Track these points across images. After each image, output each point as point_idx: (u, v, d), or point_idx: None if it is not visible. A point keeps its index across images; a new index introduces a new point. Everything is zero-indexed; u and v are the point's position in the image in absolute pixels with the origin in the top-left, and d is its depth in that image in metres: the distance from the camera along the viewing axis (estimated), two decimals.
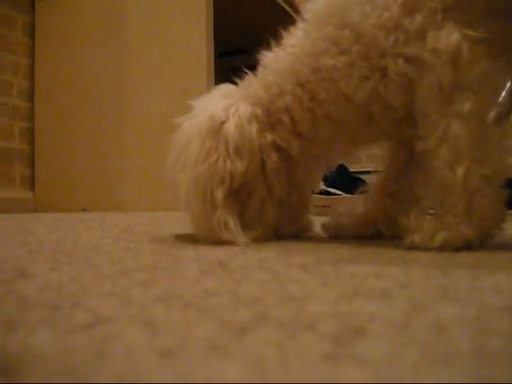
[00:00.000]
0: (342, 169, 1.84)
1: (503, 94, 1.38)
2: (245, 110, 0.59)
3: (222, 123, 0.58)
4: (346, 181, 1.51)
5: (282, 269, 0.38)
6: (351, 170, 1.73)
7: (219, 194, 0.56)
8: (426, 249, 0.48)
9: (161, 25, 1.83)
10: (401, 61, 0.52)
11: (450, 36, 0.50)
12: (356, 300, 0.27)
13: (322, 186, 1.57)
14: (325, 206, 1.23)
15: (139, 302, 0.28)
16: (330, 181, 1.69)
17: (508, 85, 1.40)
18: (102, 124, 1.91)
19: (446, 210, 0.49)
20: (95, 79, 1.92)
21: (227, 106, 0.60)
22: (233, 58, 2.48)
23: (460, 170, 0.48)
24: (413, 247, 0.50)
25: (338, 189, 1.50)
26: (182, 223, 0.98)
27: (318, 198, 1.26)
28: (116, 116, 1.90)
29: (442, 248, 0.48)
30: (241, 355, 0.18)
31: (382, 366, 0.17)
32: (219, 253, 0.48)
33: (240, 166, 0.57)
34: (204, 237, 0.59)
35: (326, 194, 1.40)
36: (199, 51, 1.78)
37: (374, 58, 0.53)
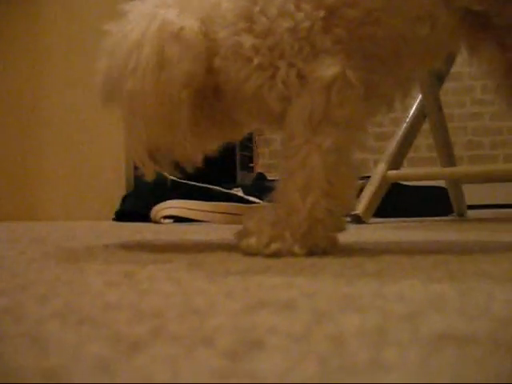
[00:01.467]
0: (261, 177, 1.85)
1: (412, 111, 1.43)
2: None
3: (180, 29, 0.55)
4: (265, 189, 1.52)
5: (189, 280, 0.37)
6: (269, 177, 1.75)
7: (184, 94, 0.55)
8: (259, 253, 0.51)
9: (80, 40, 1.79)
10: (293, 71, 0.53)
11: (329, 69, 0.52)
12: (259, 312, 0.26)
13: (240, 194, 1.57)
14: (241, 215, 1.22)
15: (33, 318, 0.26)
16: (248, 189, 1.70)
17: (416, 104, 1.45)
18: (16, 125, 1.84)
19: (288, 225, 0.51)
20: (9, 78, 1.85)
21: (176, 12, 0.57)
22: None
23: (309, 200, 0.51)
24: (248, 250, 0.52)
25: (256, 197, 1.51)
26: (97, 233, 0.96)
27: (235, 206, 1.26)
28: (32, 116, 1.83)
29: (273, 255, 0.50)
30: (129, 374, 0.17)
31: (275, 381, 0.17)
32: (128, 265, 0.47)
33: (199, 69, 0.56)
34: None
35: (243, 202, 1.40)
36: None
37: (275, 54, 0.53)
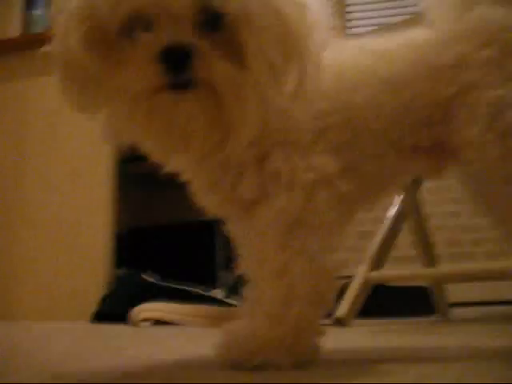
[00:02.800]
0: (242, 278, 1.82)
1: (392, 212, 1.45)
2: None
3: None
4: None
5: None
6: None
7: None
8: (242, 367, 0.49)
9: (62, 127, 1.82)
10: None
11: (306, 175, 0.52)
12: None
13: (220, 296, 1.55)
14: (227, 318, 1.20)
15: None
16: (229, 290, 1.67)
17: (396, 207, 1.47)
18: None
19: (271, 338, 0.49)
20: None
21: None
22: (132, 163, 2.48)
23: (294, 311, 0.49)
24: (230, 364, 0.50)
25: (237, 299, 1.48)
26: (72, 338, 0.92)
27: (214, 310, 1.24)
28: (10, 213, 1.82)
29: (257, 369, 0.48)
30: None
31: None
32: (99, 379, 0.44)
33: None
34: None
35: (224, 305, 1.37)
36: (101, 156, 1.77)
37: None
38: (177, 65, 0.46)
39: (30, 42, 1.85)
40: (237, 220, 0.59)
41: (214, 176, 0.55)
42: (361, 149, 0.57)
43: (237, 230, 0.60)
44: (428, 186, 2.86)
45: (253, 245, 0.54)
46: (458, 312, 1.82)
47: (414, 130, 0.58)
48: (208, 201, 0.59)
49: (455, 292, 1.85)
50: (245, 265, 0.57)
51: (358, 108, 0.57)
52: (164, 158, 0.56)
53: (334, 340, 0.63)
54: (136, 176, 2.61)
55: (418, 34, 0.61)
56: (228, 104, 0.48)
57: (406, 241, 2.73)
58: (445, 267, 1.59)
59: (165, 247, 2.26)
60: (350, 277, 1.36)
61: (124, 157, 2.37)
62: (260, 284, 0.52)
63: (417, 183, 1.48)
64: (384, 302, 1.65)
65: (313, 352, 0.52)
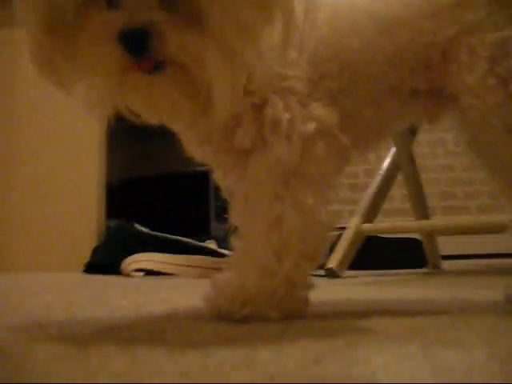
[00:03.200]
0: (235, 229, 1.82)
1: (385, 163, 1.43)
2: None
3: None
4: None
5: (145, 355, 0.34)
6: None
7: None
8: (230, 318, 0.48)
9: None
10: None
11: (306, 125, 0.50)
12: None
13: (213, 246, 1.55)
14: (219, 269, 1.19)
15: None
16: (222, 241, 1.67)
17: (391, 153, 1.45)
18: None
19: (261, 289, 0.48)
20: None
21: None
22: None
23: (286, 263, 0.48)
24: (218, 315, 0.49)
25: (230, 250, 1.48)
26: (61, 288, 0.92)
27: (207, 260, 1.24)
28: (1, 164, 1.80)
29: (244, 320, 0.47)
30: None
31: None
32: (84, 333, 0.44)
33: None
34: None
35: (217, 255, 1.37)
36: None
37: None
38: (136, 46, 0.43)
39: None
40: (231, 169, 0.56)
41: (206, 130, 0.53)
42: (358, 95, 0.55)
43: (229, 179, 0.57)
44: (422, 138, 2.86)
45: (246, 195, 0.52)
46: (449, 264, 1.83)
47: (413, 73, 0.55)
48: (201, 151, 0.57)
49: (447, 245, 1.85)
50: (236, 215, 0.55)
51: (355, 52, 0.54)
52: (153, 121, 0.53)
53: (323, 291, 0.63)
54: (127, 127, 2.58)
55: None
56: (198, 77, 0.46)
57: (399, 193, 2.74)
58: (437, 220, 1.58)
59: (157, 198, 2.25)
60: (342, 228, 1.35)
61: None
62: (252, 235, 0.51)
63: (411, 135, 1.46)
64: (376, 253, 1.65)
65: (302, 305, 0.51)
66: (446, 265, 1.71)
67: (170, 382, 0.27)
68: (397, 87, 0.56)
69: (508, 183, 0.59)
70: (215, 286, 0.52)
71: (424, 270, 1.64)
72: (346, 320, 0.49)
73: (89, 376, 0.29)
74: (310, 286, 0.52)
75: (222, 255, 1.39)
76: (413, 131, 1.46)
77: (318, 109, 0.51)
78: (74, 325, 0.49)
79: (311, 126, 0.49)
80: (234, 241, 0.54)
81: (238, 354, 0.34)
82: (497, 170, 0.60)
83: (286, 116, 0.49)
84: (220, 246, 1.60)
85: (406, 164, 1.45)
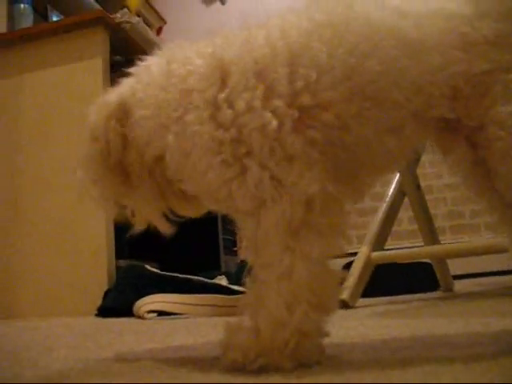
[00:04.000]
0: (245, 263, 1.82)
1: (391, 189, 1.44)
2: None
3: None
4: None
5: None
6: None
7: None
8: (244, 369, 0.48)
9: (55, 124, 1.81)
10: (266, 174, 0.51)
11: (310, 185, 0.50)
12: None
13: (224, 283, 1.55)
14: (231, 306, 1.20)
15: None
16: (232, 276, 1.67)
17: (395, 181, 1.46)
18: None
19: (274, 341, 0.49)
20: None
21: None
22: None
23: (297, 315, 0.48)
24: (233, 366, 0.50)
25: (241, 285, 1.48)
26: (74, 336, 0.92)
27: (218, 298, 1.24)
28: (11, 211, 1.82)
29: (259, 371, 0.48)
30: None
31: None
32: None
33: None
34: None
35: (228, 292, 1.37)
36: None
37: (241, 150, 0.52)
38: None
39: (17, 37, 1.83)
40: (243, 220, 0.57)
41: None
42: (375, 121, 0.54)
43: (244, 226, 0.58)
44: (425, 159, 2.86)
45: (258, 246, 0.53)
46: (461, 284, 1.83)
47: (438, 101, 0.54)
48: (212, 207, 0.59)
49: (458, 264, 1.85)
50: (250, 260, 0.56)
51: (372, 73, 0.52)
52: None
53: (337, 327, 0.63)
54: None
55: (449, 5, 0.57)
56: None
57: (406, 216, 2.74)
58: (445, 245, 1.58)
59: (166, 235, 2.25)
60: (351, 254, 1.35)
61: None
62: (264, 284, 0.51)
63: (415, 160, 1.47)
64: (387, 279, 1.65)
65: (316, 354, 0.51)
66: (458, 285, 1.70)
67: None
68: (420, 114, 0.55)
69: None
70: (229, 337, 0.52)
71: (436, 293, 1.63)
72: (360, 369, 0.49)
73: None
74: (324, 334, 0.53)
75: (234, 292, 1.40)
76: (417, 156, 1.47)
77: (314, 167, 0.52)
78: (90, 375, 0.49)
79: (312, 190, 0.50)
80: (248, 281, 0.55)
81: None
82: (499, 203, 0.60)
83: (283, 175, 0.51)
84: (230, 281, 1.61)
85: (411, 189, 1.46)
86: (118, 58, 1.92)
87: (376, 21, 0.54)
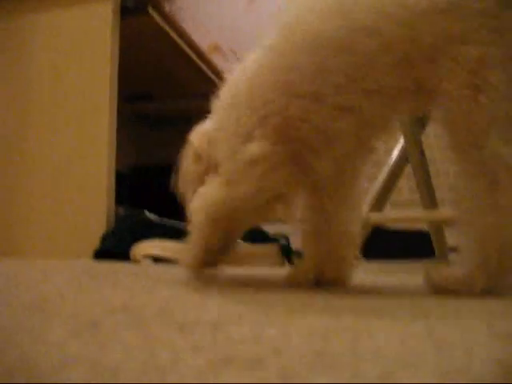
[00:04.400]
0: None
1: (394, 154, 1.44)
2: None
3: None
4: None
5: (156, 330, 0.35)
6: None
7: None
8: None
9: (65, 67, 1.79)
10: None
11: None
12: (224, 369, 0.25)
13: None
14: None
15: None
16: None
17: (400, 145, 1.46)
18: None
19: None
20: None
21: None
22: (137, 102, 2.45)
23: None
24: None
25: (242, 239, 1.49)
26: (72, 274, 0.93)
27: None
28: (13, 150, 1.82)
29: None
30: None
31: None
32: (96, 311, 0.45)
33: None
34: None
35: None
36: (102, 94, 1.75)
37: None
38: None
39: None
40: None
41: None
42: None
43: None
44: (431, 131, 2.85)
45: None
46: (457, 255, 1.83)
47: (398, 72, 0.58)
48: None
49: (456, 237, 1.85)
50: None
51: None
52: None
53: None
54: (138, 115, 2.60)
55: None
56: None
57: (407, 185, 2.73)
58: (444, 210, 1.58)
59: (166, 187, 2.25)
60: None
61: (127, 96, 2.36)
62: None
63: (421, 127, 1.46)
64: (384, 245, 1.66)
65: None
66: (454, 256, 1.71)
67: (182, 355, 0.28)
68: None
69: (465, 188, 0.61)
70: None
71: (431, 261, 1.64)
72: (352, 301, 0.50)
73: (102, 347, 0.30)
74: None
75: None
76: (423, 123, 1.46)
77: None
78: (87, 304, 0.50)
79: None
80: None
81: (246, 331, 0.35)
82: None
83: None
84: None
85: (414, 155, 1.45)
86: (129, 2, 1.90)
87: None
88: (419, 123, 1.43)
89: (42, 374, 0.24)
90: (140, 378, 0.23)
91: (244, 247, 1.26)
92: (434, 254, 1.66)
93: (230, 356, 0.28)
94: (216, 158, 0.72)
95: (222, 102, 0.71)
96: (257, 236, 1.45)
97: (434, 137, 2.96)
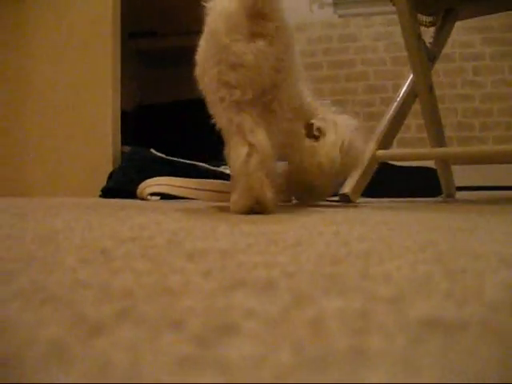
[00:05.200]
0: None
1: (402, 91, 1.41)
2: None
3: None
4: None
5: (166, 258, 0.35)
6: None
7: None
8: None
9: (65, 3, 1.76)
10: None
11: None
12: (235, 293, 0.25)
13: (228, 171, 1.55)
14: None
15: None
16: None
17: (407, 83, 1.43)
18: (2, 106, 1.81)
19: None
20: None
21: None
22: (141, 39, 2.41)
23: None
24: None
25: None
26: (80, 210, 0.94)
27: (222, 184, 1.24)
28: (18, 90, 1.81)
29: None
30: (84, 361, 0.16)
31: (246, 370, 0.15)
32: (106, 242, 0.45)
33: None
34: None
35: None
36: (105, 31, 1.72)
37: None
38: None
39: None
40: None
41: None
42: None
43: None
44: (440, 68, 2.80)
45: None
46: (463, 194, 1.84)
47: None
48: None
49: (463, 176, 1.85)
50: None
51: None
52: None
53: (337, 212, 0.63)
54: (142, 53, 2.56)
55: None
56: None
57: (414, 123, 2.71)
58: (452, 148, 1.57)
59: (172, 125, 2.24)
60: None
61: (132, 33, 2.31)
62: None
63: (430, 62, 1.43)
64: (390, 182, 1.66)
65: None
66: (461, 195, 1.71)
67: (192, 279, 0.28)
68: None
69: None
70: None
71: (438, 198, 1.65)
72: (361, 235, 0.50)
73: (112, 273, 0.30)
74: None
75: None
76: (431, 58, 1.43)
77: None
78: (96, 236, 0.50)
79: None
80: None
81: (257, 258, 0.35)
82: None
83: None
84: None
85: (423, 92, 1.43)
86: None
87: None
88: (428, 59, 1.40)
89: (55, 296, 0.24)
90: (151, 301, 0.23)
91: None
92: (441, 191, 1.66)
93: (241, 280, 0.28)
94: None
95: None
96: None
97: (443, 74, 2.92)
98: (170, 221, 0.68)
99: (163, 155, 1.64)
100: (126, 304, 0.23)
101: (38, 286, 0.27)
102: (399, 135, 1.51)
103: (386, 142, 1.36)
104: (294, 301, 0.23)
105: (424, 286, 0.27)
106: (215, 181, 1.26)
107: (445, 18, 1.47)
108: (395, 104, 1.41)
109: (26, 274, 0.30)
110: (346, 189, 1.23)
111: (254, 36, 0.74)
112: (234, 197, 0.80)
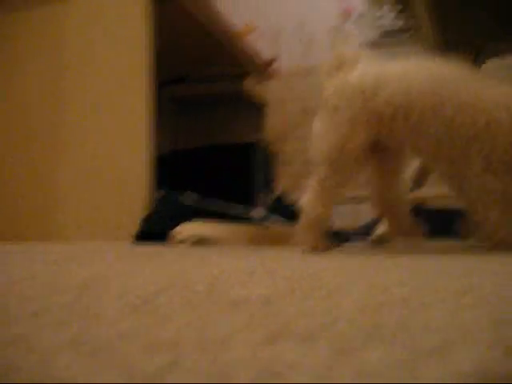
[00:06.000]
0: (280, 199, 1.84)
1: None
2: None
3: None
4: (284, 210, 1.51)
5: (208, 306, 0.36)
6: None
7: None
8: None
9: (100, 54, 1.81)
10: None
11: None
12: (278, 343, 0.25)
13: (260, 214, 1.56)
14: (265, 236, 1.21)
15: (46, 348, 0.25)
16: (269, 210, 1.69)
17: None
18: (34, 142, 1.86)
19: None
20: (31, 105, 1.87)
21: None
22: (171, 87, 2.46)
23: None
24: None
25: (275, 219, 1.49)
26: (114, 256, 0.95)
27: (255, 228, 1.25)
28: (51, 134, 1.85)
29: None
30: None
31: None
32: (146, 290, 0.45)
33: None
34: None
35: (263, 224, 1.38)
36: (140, 81, 1.76)
37: None
38: None
39: None
40: None
41: None
42: None
43: None
44: None
45: None
46: None
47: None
48: None
49: None
50: None
51: None
52: None
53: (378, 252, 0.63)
54: (176, 99, 2.61)
55: None
56: None
57: None
58: None
59: (205, 169, 2.27)
60: None
61: (164, 80, 2.37)
62: None
63: None
64: (424, 224, 1.64)
65: None
66: None
67: (235, 329, 0.29)
68: None
69: None
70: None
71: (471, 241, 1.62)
72: (401, 277, 0.50)
73: (155, 324, 0.31)
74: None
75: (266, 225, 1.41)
76: None
77: None
78: (135, 284, 0.51)
79: None
80: None
81: (298, 305, 0.35)
82: None
83: None
84: (266, 215, 1.62)
85: None
86: None
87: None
88: None
89: (104, 347, 0.25)
90: (197, 352, 0.24)
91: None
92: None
93: (283, 330, 0.28)
94: None
95: None
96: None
97: None
98: (208, 267, 0.69)
99: (193, 203, 1.66)
100: (172, 355, 0.23)
101: (85, 337, 0.28)
102: (432, 176, 1.51)
103: (418, 184, 1.36)
104: (335, 352, 0.23)
105: (468, 334, 0.27)
106: (246, 226, 1.27)
107: None
108: None
109: (72, 324, 0.31)
110: (379, 232, 1.23)
111: None
112: None
